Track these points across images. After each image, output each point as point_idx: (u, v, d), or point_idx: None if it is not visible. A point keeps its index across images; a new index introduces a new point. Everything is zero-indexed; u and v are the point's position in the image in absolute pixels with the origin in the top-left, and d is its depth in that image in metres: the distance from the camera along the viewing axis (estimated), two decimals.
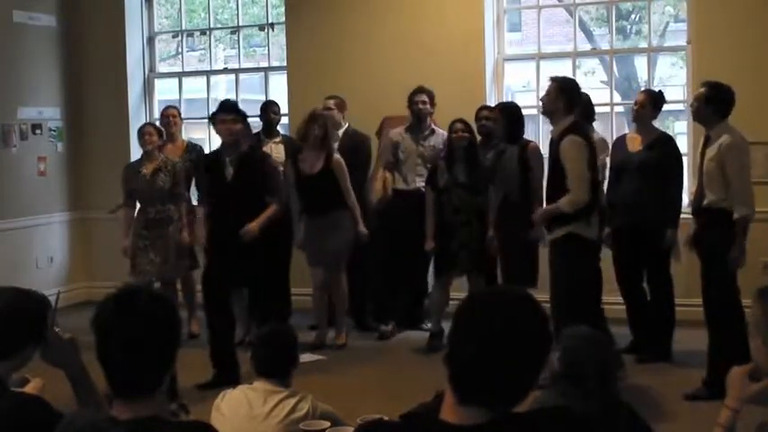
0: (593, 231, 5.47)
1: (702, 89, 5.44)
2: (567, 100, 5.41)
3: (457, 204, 6.54)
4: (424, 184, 6.94)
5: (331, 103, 7.28)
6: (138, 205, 6.98)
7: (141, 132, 7.01)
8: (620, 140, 6.35)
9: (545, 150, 7.24)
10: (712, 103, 5.36)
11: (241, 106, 6.38)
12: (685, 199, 6.49)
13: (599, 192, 5.67)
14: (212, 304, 5.88)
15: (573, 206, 5.31)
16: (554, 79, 5.57)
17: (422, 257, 6.83)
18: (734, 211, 5.27)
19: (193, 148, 7.62)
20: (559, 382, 3.12)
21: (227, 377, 5.45)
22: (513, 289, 1.91)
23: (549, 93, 5.50)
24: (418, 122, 7.16)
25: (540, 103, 5.66)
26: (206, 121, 9.12)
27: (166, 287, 6.82)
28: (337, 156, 6.76)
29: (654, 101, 6.13)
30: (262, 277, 5.92)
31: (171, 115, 7.60)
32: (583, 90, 6.93)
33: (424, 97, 7.10)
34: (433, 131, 7.17)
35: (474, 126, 6.82)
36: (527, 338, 1.79)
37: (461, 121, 6.59)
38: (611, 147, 6.42)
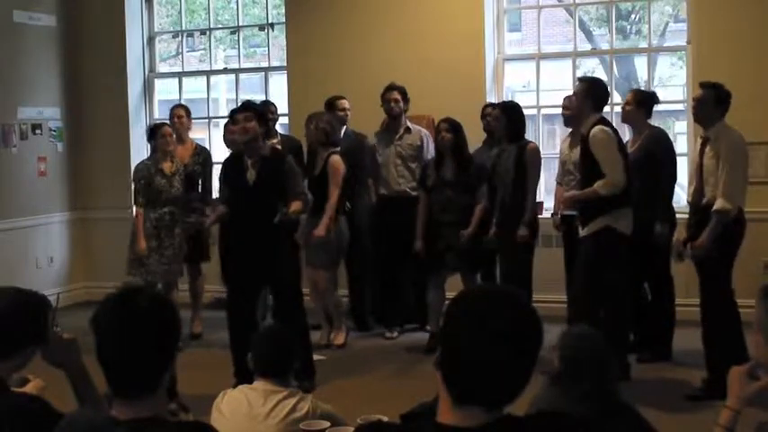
0: (628, 225, 5.51)
1: (706, 91, 5.42)
2: (594, 100, 5.59)
3: (444, 203, 6.54)
4: (409, 184, 6.97)
5: (347, 103, 7.29)
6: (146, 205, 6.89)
7: (161, 133, 6.85)
8: (626, 144, 6.35)
9: (545, 151, 7.28)
10: (720, 104, 5.39)
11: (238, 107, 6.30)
12: (683, 199, 6.47)
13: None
14: (234, 308, 5.76)
15: (609, 188, 5.40)
16: (582, 79, 5.70)
17: (418, 259, 6.81)
18: (715, 202, 5.26)
19: (202, 151, 7.58)
20: (558, 381, 3.12)
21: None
22: (500, 287, 1.92)
23: (576, 93, 5.67)
24: (392, 121, 7.13)
25: (562, 109, 5.73)
26: (206, 121, 9.19)
27: (169, 287, 6.79)
28: (335, 156, 6.70)
29: (641, 102, 6.11)
30: (286, 277, 5.76)
31: (177, 115, 7.53)
32: None
33: (396, 95, 7.05)
34: (408, 129, 7.13)
35: (481, 124, 6.92)
36: (517, 336, 1.78)
37: (446, 120, 6.59)
38: None
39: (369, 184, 7.30)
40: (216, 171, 7.54)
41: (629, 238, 5.58)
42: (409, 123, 7.17)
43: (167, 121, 7.42)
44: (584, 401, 2.95)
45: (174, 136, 6.95)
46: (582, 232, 5.61)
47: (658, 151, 6.04)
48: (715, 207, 5.26)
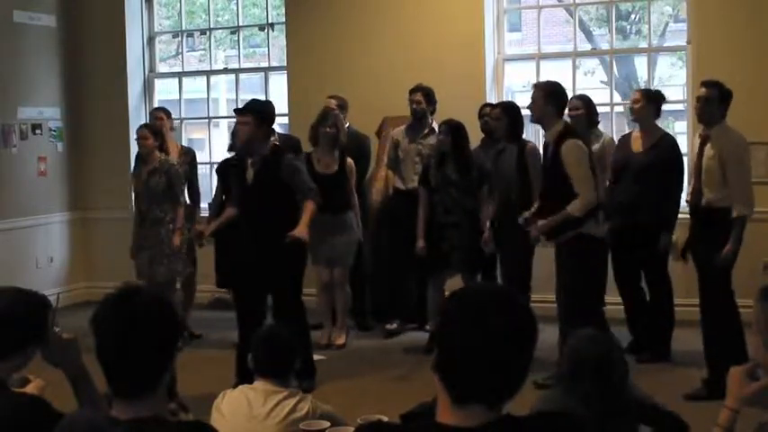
0: (602, 229, 5.50)
1: (709, 89, 5.41)
2: (555, 104, 5.47)
3: (448, 204, 6.54)
4: None
5: (333, 102, 7.28)
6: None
7: (136, 135, 6.90)
8: (626, 139, 6.33)
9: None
10: (723, 103, 5.39)
11: (241, 106, 6.27)
12: (681, 198, 6.47)
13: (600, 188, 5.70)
14: (243, 309, 5.74)
15: (584, 209, 5.35)
16: (538, 86, 5.61)
17: (418, 260, 6.80)
18: (732, 209, 5.28)
19: (188, 152, 7.57)
20: (563, 382, 3.13)
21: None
22: (493, 285, 1.93)
23: (535, 100, 5.51)
24: (416, 121, 7.16)
25: (529, 112, 5.66)
26: (206, 121, 9.19)
27: (167, 287, 6.74)
28: (349, 158, 6.81)
29: (650, 99, 6.09)
30: (287, 277, 5.72)
31: (157, 117, 7.46)
32: (584, 92, 6.98)
33: (419, 96, 7.07)
34: (433, 130, 7.14)
35: (478, 123, 6.90)
36: (513, 333, 1.79)
37: (445, 122, 6.61)
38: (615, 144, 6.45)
39: (372, 181, 7.30)
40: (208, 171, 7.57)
41: (604, 241, 5.56)
42: (435, 125, 7.16)
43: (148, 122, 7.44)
44: (586, 402, 2.96)
45: (152, 140, 6.83)
46: (558, 240, 5.58)
47: (672, 161, 6.01)
48: (734, 214, 5.27)
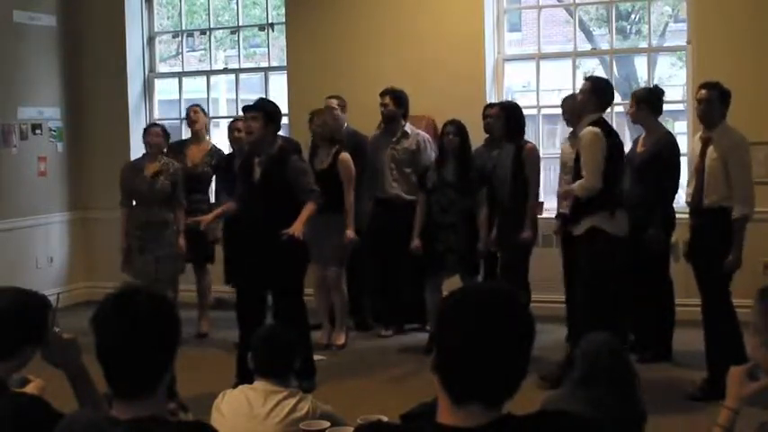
0: (618, 226, 5.46)
1: (709, 91, 5.43)
2: (599, 99, 5.55)
3: (444, 204, 6.52)
4: (401, 188, 6.95)
5: (335, 102, 7.28)
6: (133, 205, 6.80)
7: (147, 132, 6.84)
8: (636, 139, 6.34)
9: (545, 151, 7.28)
10: (723, 104, 5.41)
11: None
12: (682, 198, 6.46)
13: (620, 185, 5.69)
14: (243, 308, 5.74)
15: (584, 191, 5.40)
16: (589, 78, 5.74)
17: (415, 261, 6.79)
18: (733, 209, 5.28)
19: (215, 153, 7.56)
20: (574, 385, 3.13)
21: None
22: (490, 285, 1.92)
23: (583, 92, 5.62)
24: (387, 126, 7.12)
25: (561, 102, 5.71)
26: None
27: (167, 286, 6.72)
28: (345, 154, 6.75)
29: (641, 100, 6.06)
30: (288, 276, 5.72)
31: (192, 111, 7.53)
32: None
33: (387, 99, 7.02)
34: (405, 134, 7.09)
35: (481, 124, 6.91)
36: (511, 332, 1.79)
37: (452, 122, 6.56)
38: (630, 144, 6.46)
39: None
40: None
41: (622, 239, 5.54)
42: (408, 128, 7.12)
43: (159, 122, 7.42)
44: (598, 406, 2.96)
45: (162, 138, 6.82)
46: (574, 231, 5.62)
47: (666, 157, 5.98)
48: (734, 215, 5.28)
